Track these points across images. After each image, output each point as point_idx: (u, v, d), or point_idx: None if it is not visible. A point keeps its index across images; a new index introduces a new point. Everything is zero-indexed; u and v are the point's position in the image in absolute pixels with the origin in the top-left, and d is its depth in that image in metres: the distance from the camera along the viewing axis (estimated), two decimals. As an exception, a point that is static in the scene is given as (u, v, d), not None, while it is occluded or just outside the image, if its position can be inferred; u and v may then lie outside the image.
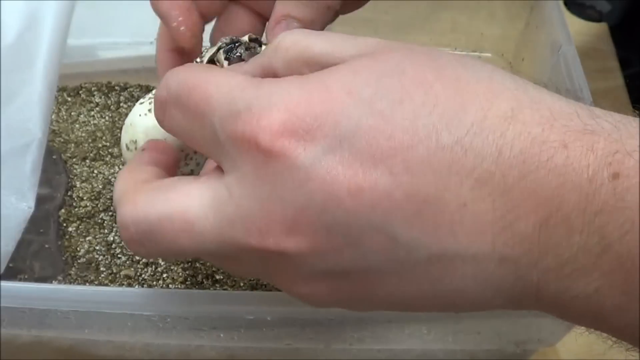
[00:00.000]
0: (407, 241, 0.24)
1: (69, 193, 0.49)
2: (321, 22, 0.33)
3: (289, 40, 0.27)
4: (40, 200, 0.44)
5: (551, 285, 0.24)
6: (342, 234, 0.24)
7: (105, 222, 0.47)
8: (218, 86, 0.26)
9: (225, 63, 0.31)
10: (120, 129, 0.52)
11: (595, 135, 0.24)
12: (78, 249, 0.46)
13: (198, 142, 0.27)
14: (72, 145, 0.51)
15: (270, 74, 0.28)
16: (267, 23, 0.33)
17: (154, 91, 0.32)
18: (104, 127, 0.53)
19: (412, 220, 0.24)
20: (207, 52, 0.32)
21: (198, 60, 0.32)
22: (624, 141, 0.23)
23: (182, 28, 0.33)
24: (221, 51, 0.31)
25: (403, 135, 0.24)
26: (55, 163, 0.49)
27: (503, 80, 0.25)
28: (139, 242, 0.27)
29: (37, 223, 0.45)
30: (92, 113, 0.54)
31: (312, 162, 0.24)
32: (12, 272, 0.43)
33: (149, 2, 0.34)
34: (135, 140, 0.34)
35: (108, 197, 0.48)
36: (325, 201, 0.24)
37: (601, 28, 0.65)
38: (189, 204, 0.26)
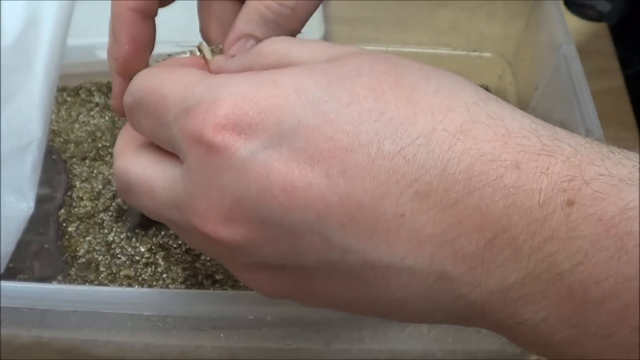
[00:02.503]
0: (341, 244, 0.24)
1: (69, 193, 0.49)
2: None
3: (271, 48, 0.28)
4: (40, 200, 0.44)
5: (496, 309, 0.24)
6: (276, 228, 0.25)
7: (105, 222, 0.47)
8: (172, 87, 0.27)
9: (207, 50, 0.32)
10: (120, 128, 0.52)
11: (552, 157, 0.23)
12: (78, 249, 0.46)
13: (162, 140, 0.28)
14: (72, 145, 0.51)
15: None
16: (227, 35, 0.32)
17: None
18: (103, 127, 0.53)
19: (346, 225, 0.24)
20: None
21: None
22: (582, 167, 0.22)
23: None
24: (205, 45, 0.32)
25: (343, 138, 0.24)
26: (55, 163, 0.49)
27: (463, 93, 0.25)
28: (123, 191, 0.30)
29: (37, 223, 0.45)
30: (92, 113, 0.54)
31: (250, 155, 0.24)
32: (12, 272, 0.43)
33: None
34: None
35: (108, 197, 0.48)
36: (260, 195, 0.24)
37: (601, 28, 0.65)
38: (154, 173, 0.28)
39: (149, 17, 0.33)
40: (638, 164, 0.23)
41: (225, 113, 0.25)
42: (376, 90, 0.24)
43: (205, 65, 0.31)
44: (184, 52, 0.33)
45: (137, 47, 0.32)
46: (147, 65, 0.33)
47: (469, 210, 0.23)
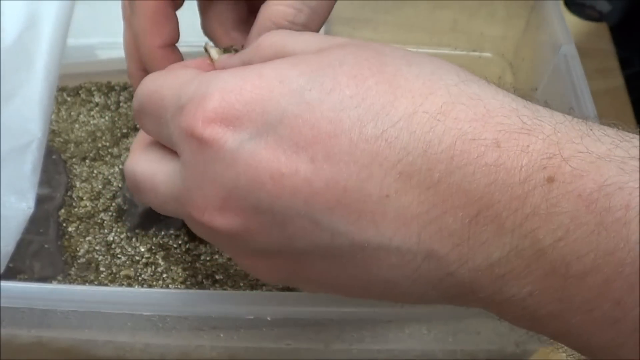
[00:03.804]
0: (329, 227, 0.25)
1: (69, 193, 0.49)
2: None
3: (269, 41, 0.29)
4: (40, 200, 0.44)
5: (484, 286, 0.24)
6: (267, 215, 0.25)
7: (105, 222, 0.47)
8: (169, 87, 0.28)
9: (214, 51, 0.33)
10: (120, 128, 0.52)
11: (532, 136, 0.23)
12: (78, 249, 0.46)
13: (163, 139, 0.29)
14: (72, 145, 0.51)
15: None
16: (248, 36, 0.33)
17: None
18: (103, 127, 0.53)
19: (333, 208, 0.25)
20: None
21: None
22: (562, 145, 0.23)
23: None
24: (212, 47, 0.33)
25: (326, 125, 0.24)
26: (55, 163, 0.49)
27: (445, 76, 0.25)
28: (132, 188, 0.31)
29: (37, 223, 0.45)
30: (92, 113, 0.54)
31: (239, 146, 0.25)
32: (12, 272, 0.43)
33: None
34: None
35: (108, 197, 0.48)
36: (250, 183, 0.25)
37: (601, 28, 0.65)
38: (157, 169, 0.29)
39: (175, 44, 0.34)
40: (616, 140, 0.23)
41: (213, 107, 0.26)
42: (358, 77, 0.25)
43: (212, 66, 0.32)
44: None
45: None
46: None
47: (452, 188, 0.23)
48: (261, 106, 0.25)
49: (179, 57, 0.35)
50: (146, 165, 0.30)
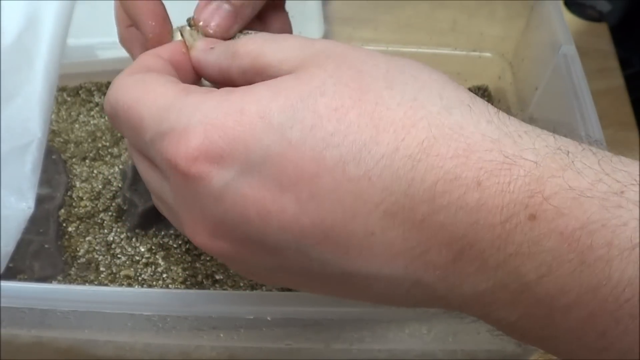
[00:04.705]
0: (319, 258, 0.25)
1: (69, 193, 0.49)
2: (252, 7, 0.33)
3: (245, 50, 0.29)
4: (40, 200, 0.44)
5: (473, 309, 0.25)
6: (258, 245, 0.26)
7: (105, 222, 0.47)
8: (148, 107, 0.28)
9: (188, 34, 0.32)
10: (120, 129, 0.52)
11: (514, 171, 0.23)
12: (78, 249, 0.46)
13: (143, 152, 0.29)
14: (72, 145, 0.51)
15: (227, 77, 0.30)
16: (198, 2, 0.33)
17: None
18: (103, 127, 0.53)
19: (322, 243, 0.25)
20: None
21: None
22: (543, 180, 0.23)
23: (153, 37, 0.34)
24: (186, 29, 0.33)
25: (309, 164, 0.24)
26: (55, 163, 0.49)
27: (427, 102, 0.25)
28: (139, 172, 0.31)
29: (37, 223, 0.45)
30: (92, 113, 0.54)
31: (225, 184, 0.25)
32: (12, 272, 0.43)
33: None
34: None
35: (108, 197, 0.48)
36: (237, 219, 0.26)
37: (601, 28, 0.65)
38: (148, 176, 0.30)
39: None
40: (600, 174, 0.23)
41: (196, 144, 0.25)
42: (339, 110, 0.25)
43: (186, 55, 0.32)
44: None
45: (160, 19, 0.33)
46: (171, 35, 0.34)
47: (436, 227, 0.24)
48: (244, 144, 0.25)
49: (161, 5, 0.34)
50: (139, 165, 0.30)
